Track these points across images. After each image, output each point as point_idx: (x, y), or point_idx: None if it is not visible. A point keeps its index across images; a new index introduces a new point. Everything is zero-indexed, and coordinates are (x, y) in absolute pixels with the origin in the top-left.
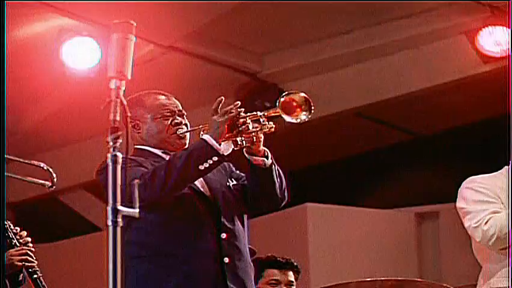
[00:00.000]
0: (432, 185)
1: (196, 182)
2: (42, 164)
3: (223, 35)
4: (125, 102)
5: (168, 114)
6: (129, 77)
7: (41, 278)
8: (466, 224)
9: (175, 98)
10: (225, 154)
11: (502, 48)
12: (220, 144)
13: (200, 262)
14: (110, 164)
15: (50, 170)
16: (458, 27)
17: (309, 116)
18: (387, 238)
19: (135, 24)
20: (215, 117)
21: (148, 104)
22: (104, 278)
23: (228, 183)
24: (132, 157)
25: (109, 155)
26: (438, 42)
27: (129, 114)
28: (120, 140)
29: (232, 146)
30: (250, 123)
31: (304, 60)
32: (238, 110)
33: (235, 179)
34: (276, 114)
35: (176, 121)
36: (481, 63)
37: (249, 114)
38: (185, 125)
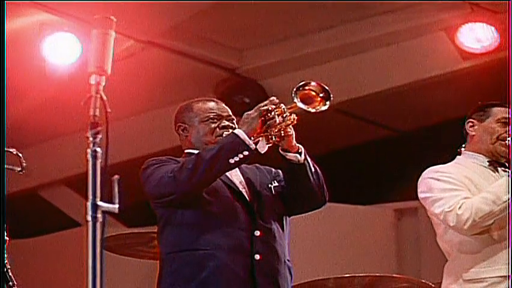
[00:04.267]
0: (412, 181)
1: (236, 181)
2: (11, 149)
3: (202, 31)
4: (105, 98)
5: (215, 117)
6: (109, 73)
7: (9, 271)
8: (437, 211)
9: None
10: (261, 152)
11: (482, 44)
12: (251, 139)
13: (230, 257)
14: (90, 159)
15: (19, 154)
16: (438, 23)
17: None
18: (367, 234)
19: (115, 19)
20: (249, 112)
21: (196, 108)
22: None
23: (270, 185)
24: (172, 157)
25: (88, 151)
26: (419, 39)
27: (109, 110)
28: (100, 136)
29: (266, 143)
30: (277, 117)
31: (284, 56)
32: (271, 104)
33: (277, 181)
34: (295, 107)
35: (223, 124)
36: (461, 60)
37: (274, 107)
38: (234, 129)
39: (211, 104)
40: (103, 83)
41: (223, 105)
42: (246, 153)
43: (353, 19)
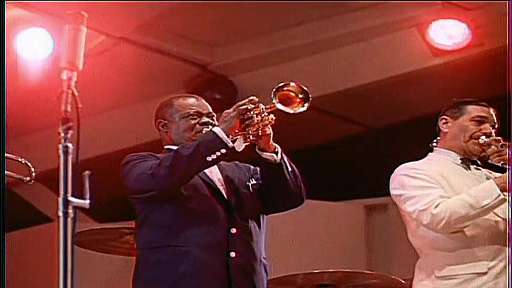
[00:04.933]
0: (383, 177)
1: (214, 179)
2: (21, 159)
3: (174, 27)
4: (76, 93)
5: (195, 114)
6: (81, 68)
7: None
8: (410, 209)
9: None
10: (238, 150)
11: (453, 41)
12: (229, 137)
13: (206, 254)
14: (61, 154)
15: (29, 164)
16: (409, 20)
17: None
18: (337, 230)
19: (86, 15)
20: (228, 111)
21: (176, 105)
22: (56, 268)
23: (247, 183)
24: (151, 153)
25: (60, 146)
26: (390, 35)
27: (80, 106)
28: (71, 131)
29: (243, 142)
30: (255, 116)
31: (255, 53)
32: (250, 104)
33: (255, 179)
34: (274, 108)
35: (203, 121)
36: (432, 57)
37: (254, 107)
38: (214, 126)
39: (192, 100)
40: (75, 79)
41: (204, 101)
42: (223, 151)
43: (324, 16)
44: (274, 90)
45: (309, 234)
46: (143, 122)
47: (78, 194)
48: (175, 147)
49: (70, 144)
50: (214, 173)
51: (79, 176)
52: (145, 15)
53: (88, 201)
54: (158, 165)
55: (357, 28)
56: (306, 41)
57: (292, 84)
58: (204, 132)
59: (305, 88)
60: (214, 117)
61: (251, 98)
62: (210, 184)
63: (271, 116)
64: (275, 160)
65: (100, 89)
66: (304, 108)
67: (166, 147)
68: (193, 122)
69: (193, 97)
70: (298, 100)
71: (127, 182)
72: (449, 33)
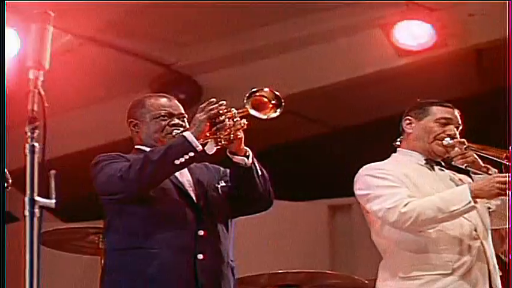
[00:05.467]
0: (346, 177)
1: (184, 181)
2: None
3: (139, 27)
4: (42, 93)
5: (166, 115)
6: (47, 67)
7: None
8: (376, 207)
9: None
10: (209, 153)
11: (418, 42)
12: (199, 141)
13: (174, 257)
14: (28, 154)
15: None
16: (374, 20)
17: (280, 111)
18: (301, 230)
19: (53, 14)
20: (198, 115)
21: (148, 105)
22: (22, 268)
23: (217, 185)
24: (121, 153)
25: (26, 145)
26: (355, 36)
27: (47, 105)
28: (38, 131)
29: (215, 145)
30: (227, 120)
31: (219, 53)
32: (220, 108)
33: (225, 182)
34: (246, 112)
35: (173, 122)
36: (397, 57)
37: (226, 111)
38: (184, 127)
39: (163, 101)
40: (41, 78)
41: (176, 101)
42: (191, 154)
43: (289, 16)
44: (247, 95)
45: (273, 234)
46: (109, 121)
47: (44, 194)
48: (145, 148)
49: (36, 144)
50: (184, 175)
51: (45, 176)
52: (111, 15)
53: (53, 201)
54: (128, 169)
55: (322, 29)
56: (271, 41)
57: (265, 89)
58: (174, 133)
59: (278, 94)
60: (185, 119)
61: (221, 102)
62: (179, 186)
63: (244, 120)
64: (246, 164)
65: (66, 88)
66: (277, 114)
67: (136, 147)
68: (163, 123)
69: (166, 97)
70: (271, 106)
71: (96, 183)
72: (414, 34)
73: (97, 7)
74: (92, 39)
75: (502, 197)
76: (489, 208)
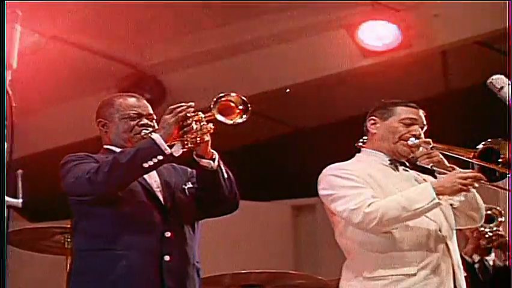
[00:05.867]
0: (310, 178)
1: (152, 182)
2: None
3: (105, 27)
4: (10, 92)
5: (135, 115)
6: (15, 67)
7: None
8: (340, 208)
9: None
10: (175, 155)
11: (383, 42)
12: (167, 143)
13: (140, 258)
14: None
15: None
16: (338, 20)
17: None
18: (264, 230)
19: (20, 13)
20: (167, 117)
21: (117, 104)
22: None
23: (184, 186)
24: (90, 154)
25: None
26: (319, 36)
27: (14, 105)
28: (5, 130)
29: (181, 147)
30: (194, 124)
31: (183, 53)
32: (188, 111)
33: (192, 183)
34: (213, 117)
35: (142, 122)
36: (362, 57)
37: (193, 114)
38: (153, 127)
39: (132, 101)
40: (9, 77)
41: (145, 101)
42: (160, 157)
43: (251, 16)
44: (214, 100)
45: (237, 235)
46: (76, 120)
47: (12, 193)
48: (113, 147)
49: (3, 143)
50: (152, 177)
51: (12, 175)
52: (78, 15)
53: (20, 200)
54: (96, 171)
55: (286, 28)
56: (233, 41)
57: (232, 94)
58: (142, 133)
59: (245, 99)
60: (154, 119)
61: (189, 104)
62: (147, 188)
63: (210, 124)
64: (212, 167)
65: (34, 87)
66: (244, 119)
67: (105, 146)
68: (132, 123)
69: (135, 97)
70: (237, 111)
71: (64, 184)
72: (379, 34)
73: (64, 7)
74: (58, 39)
75: (465, 193)
76: (451, 205)
